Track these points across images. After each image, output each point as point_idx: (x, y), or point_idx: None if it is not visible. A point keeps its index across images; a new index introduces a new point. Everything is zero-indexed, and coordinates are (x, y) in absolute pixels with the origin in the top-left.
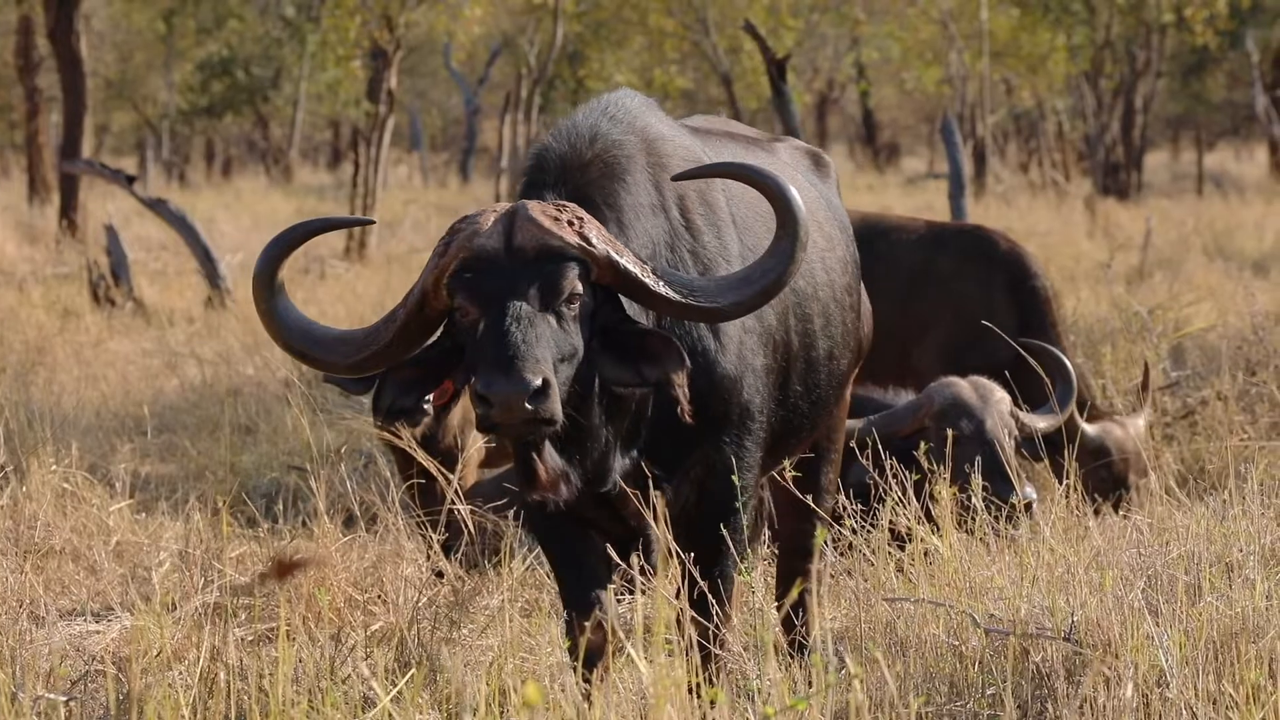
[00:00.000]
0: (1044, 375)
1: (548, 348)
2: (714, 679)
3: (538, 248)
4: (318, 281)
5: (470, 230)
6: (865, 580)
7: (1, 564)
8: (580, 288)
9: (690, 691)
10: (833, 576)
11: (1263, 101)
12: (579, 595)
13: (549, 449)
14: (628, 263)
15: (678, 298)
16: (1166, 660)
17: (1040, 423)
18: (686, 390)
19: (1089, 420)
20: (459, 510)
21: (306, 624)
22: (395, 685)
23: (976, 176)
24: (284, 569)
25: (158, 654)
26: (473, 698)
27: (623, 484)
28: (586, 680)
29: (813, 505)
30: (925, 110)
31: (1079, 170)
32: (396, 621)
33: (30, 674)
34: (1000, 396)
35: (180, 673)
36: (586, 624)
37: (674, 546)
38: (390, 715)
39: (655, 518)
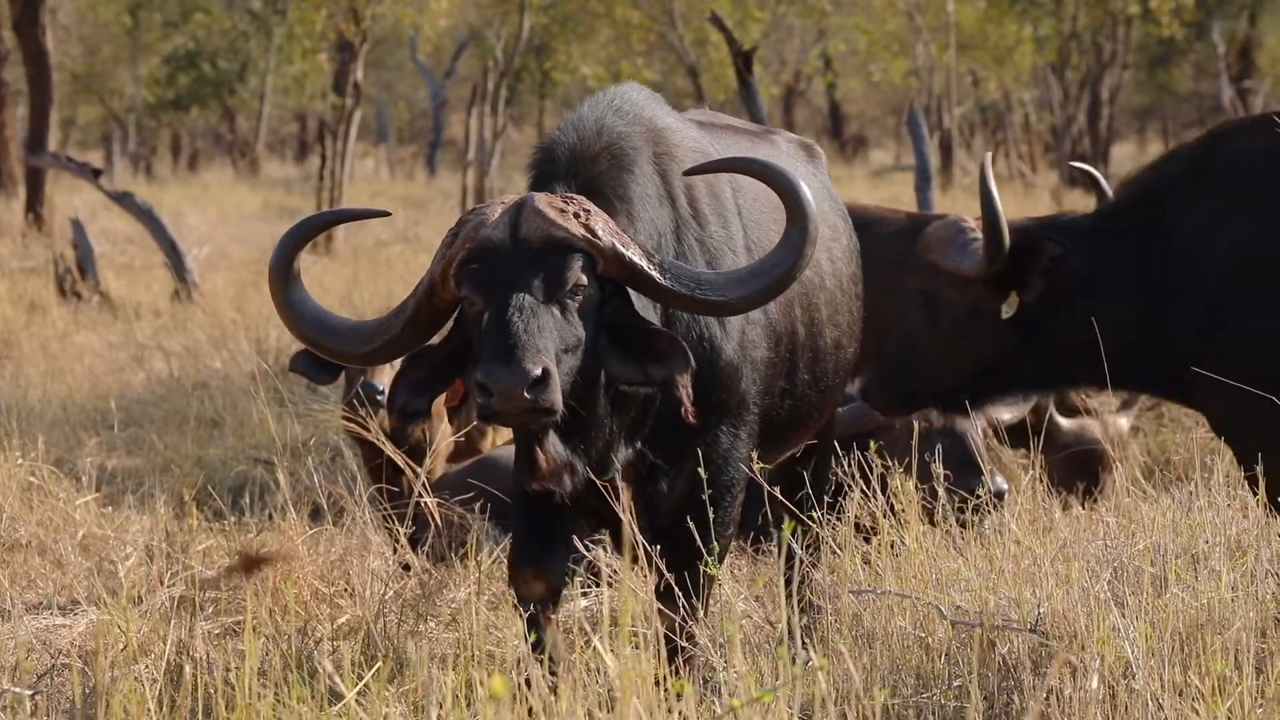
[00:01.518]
0: None
1: (550, 338)
2: (681, 671)
3: (543, 239)
4: None
5: (477, 221)
6: (831, 573)
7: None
8: (585, 280)
9: (657, 684)
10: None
11: (1229, 93)
12: (530, 552)
13: (552, 439)
14: (634, 255)
15: (684, 291)
16: (1132, 651)
17: (1004, 414)
18: (690, 391)
19: (1068, 415)
20: (426, 503)
21: (273, 617)
22: (361, 678)
23: (943, 168)
24: (250, 562)
25: (124, 648)
26: (439, 690)
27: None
28: (553, 673)
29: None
30: (892, 102)
31: (1045, 162)
32: (363, 615)
33: None
34: None
35: (146, 666)
36: (529, 574)
37: (641, 539)
38: (357, 708)
39: (621, 509)
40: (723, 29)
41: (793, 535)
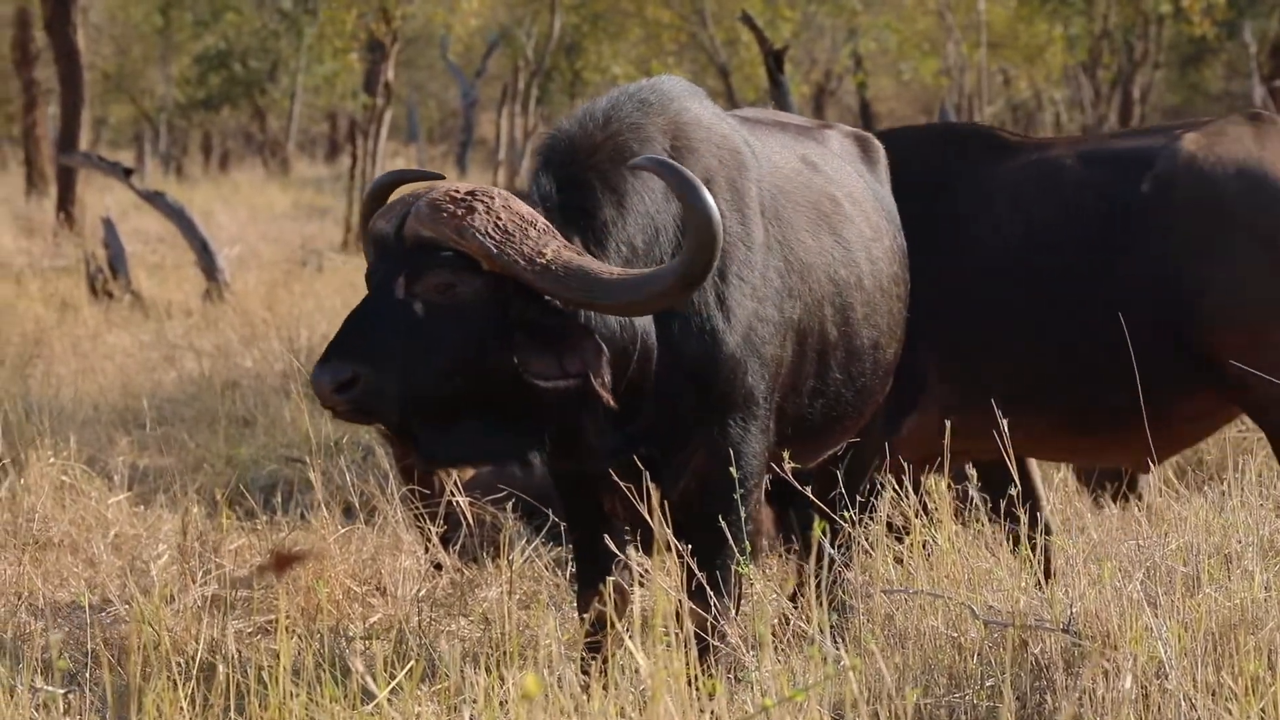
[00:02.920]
0: None
1: (387, 339)
2: (712, 671)
3: (414, 238)
4: (315, 274)
5: (380, 213)
6: (864, 572)
7: (0, 556)
8: (453, 279)
9: (689, 683)
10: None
11: (1260, 92)
12: (593, 572)
13: (428, 436)
14: (512, 255)
15: (573, 293)
16: (1165, 652)
17: None
18: (607, 381)
19: None
20: (458, 502)
21: (305, 616)
22: (394, 678)
23: None
24: (282, 561)
25: (156, 647)
26: (471, 690)
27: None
28: (586, 672)
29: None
30: (923, 101)
31: None
32: (395, 614)
33: (28, 667)
34: None
35: (179, 665)
36: (597, 596)
37: (671, 538)
38: (389, 708)
39: (650, 510)
40: (754, 28)
41: (823, 535)
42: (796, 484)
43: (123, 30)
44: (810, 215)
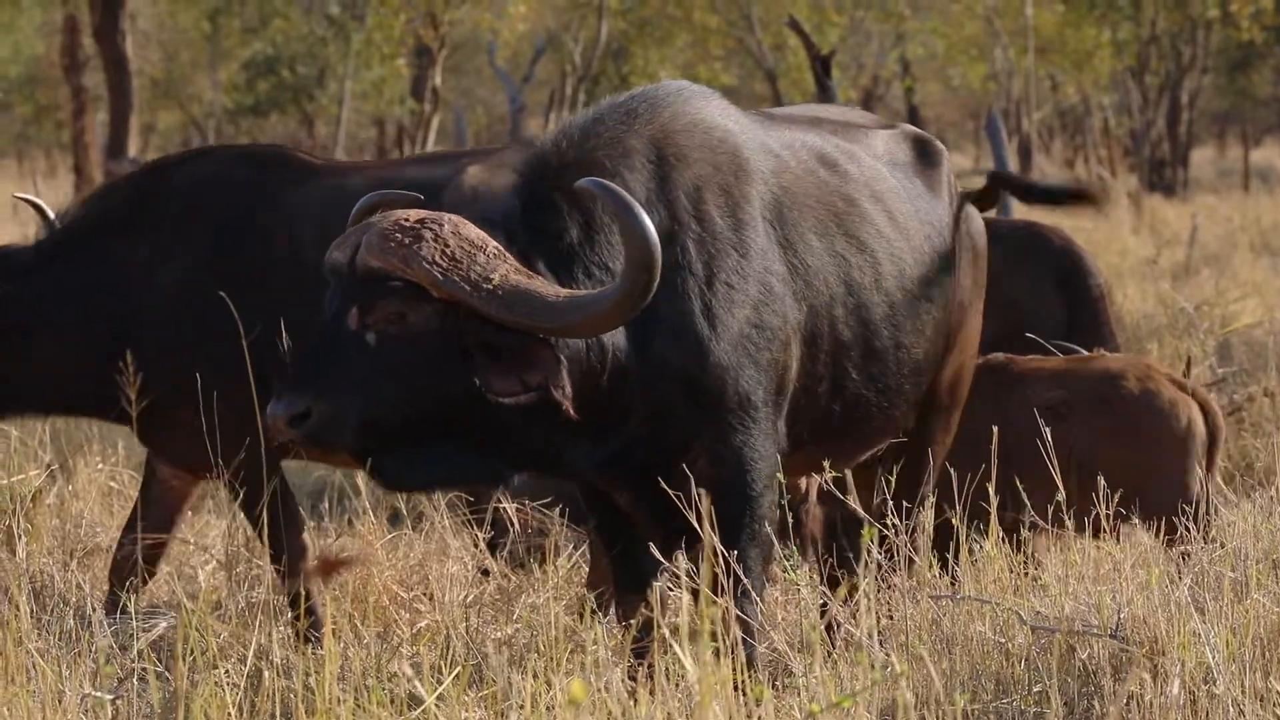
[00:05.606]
0: None
1: (341, 371)
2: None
3: (364, 268)
4: None
5: (336, 242)
6: (911, 578)
7: (48, 562)
8: (403, 309)
9: (735, 689)
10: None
11: None
12: (632, 577)
13: (391, 462)
14: (460, 282)
15: (514, 318)
16: (1213, 657)
17: None
18: (568, 390)
19: None
20: (504, 508)
21: (352, 622)
22: (440, 683)
23: (1022, 172)
24: (329, 567)
25: (204, 652)
26: (518, 695)
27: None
28: (632, 677)
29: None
30: (970, 106)
31: (1125, 166)
32: (442, 619)
33: (76, 672)
34: None
35: (226, 671)
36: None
37: (718, 544)
38: (436, 713)
39: (700, 519)
40: (800, 33)
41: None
42: (837, 492)
43: (171, 36)
44: (820, 216)
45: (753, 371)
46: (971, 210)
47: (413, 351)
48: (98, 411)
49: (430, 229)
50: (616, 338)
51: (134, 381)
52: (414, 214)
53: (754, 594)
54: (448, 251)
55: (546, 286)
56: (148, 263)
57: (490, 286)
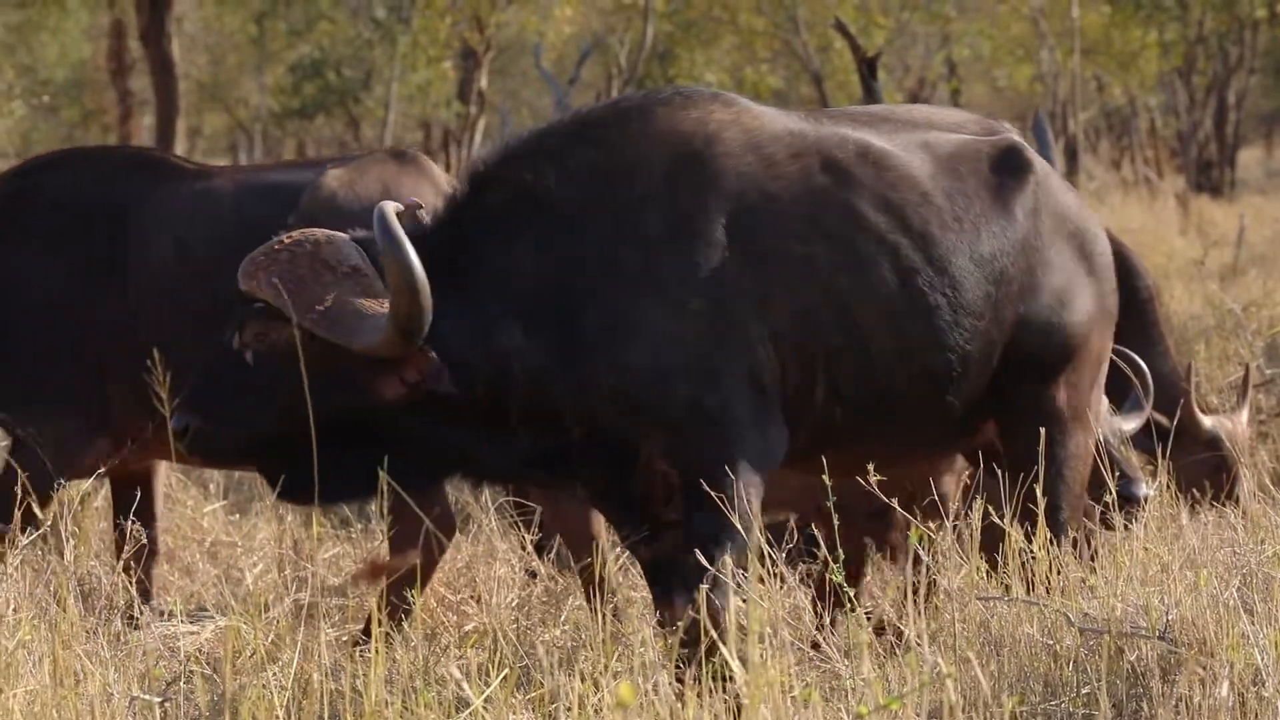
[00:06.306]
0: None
1: (217, 389)
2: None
3: (240, 288)
4: None
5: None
6: (959, 580)
7: (96, 565)
8: (265, 326)
9: (783, 691)
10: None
11: None
12: (661, 579)
13: (281, 478)
14: (294, 303)
15: (334, 338)
16: (1263, 659)
17: (1126, 424)
18: (447, 380)
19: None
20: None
21: (400, 625)
22: (488, 685)
23: (1069, 174)
24: (377, 570)
25: (251, 655)
26: (566, 697)
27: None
28: (680, 680)
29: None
30: (1017, 108)
31: (1171, 167)
32: (490, 621)
33: (125, 674)
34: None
35: (274, 674)
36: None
37: (766, 548)
38: (484, 715)
39: (750, 526)
40: (847, 35)
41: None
42: (883, 496)
43: (217, 40)
44: (804, 223)
45: (702, 378)
46: (1087, 228)
47: (280, 369)
48: None
49: (290, 250)
50: (517, 344)
51: (164, 382)
52: (297, 234)
53: (718, 601)
54: (297, 273)
55: (364, 308)
56: (18, 270)
57: (321, 308)
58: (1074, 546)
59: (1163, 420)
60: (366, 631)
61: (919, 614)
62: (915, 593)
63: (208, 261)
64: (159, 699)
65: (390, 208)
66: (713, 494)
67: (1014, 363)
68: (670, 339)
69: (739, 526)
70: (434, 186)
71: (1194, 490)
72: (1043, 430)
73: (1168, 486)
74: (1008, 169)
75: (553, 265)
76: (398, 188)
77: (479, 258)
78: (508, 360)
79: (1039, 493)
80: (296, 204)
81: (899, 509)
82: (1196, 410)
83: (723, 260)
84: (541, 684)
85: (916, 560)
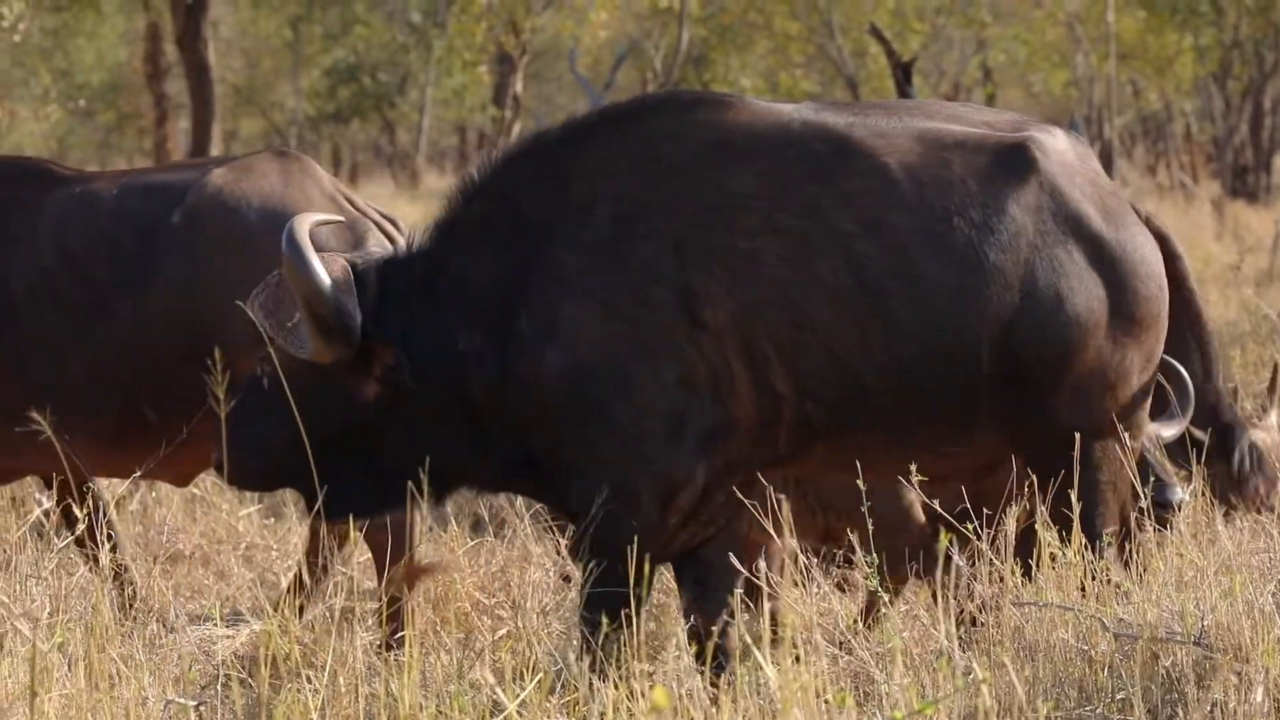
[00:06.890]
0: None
1: (243, 419)
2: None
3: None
4: None
5: None
6: (993, 584)
7: (132, 569)
8: (269, 353)
9: (816, 695)
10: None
11: None
12: (688, 579)
13: (312, 500)
14: (268, 325)
15: (296, 350)
16: None
17: (1165, 430)
18: (405, 366)
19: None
20: None
21: (434, 629)
22: (522, 689)
23: None
24: (412, 574)
25: (286, 658)
26: (600, 702)
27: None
28: (714, 685)
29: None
30: (1052, 113)
31: (1207, 172)
32: (524, 626)
33: (160, 678)
34: None
35: (308, 677)
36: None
37: (797, 551)
38: (518, 719)
39: (780, 530)
40: (882, 40)
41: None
42: (924, 496)
43: (253, 44)
44: (758, 218)
45: (629, 382)
46: (1110, 235)
47: (285, 389)
48: None
49: (280, 275)
50: (476, 348)
51: (221, 380)
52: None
53: (593, 615)
54: (277, 296)
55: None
56: None
57: (291, 325)
58: (1095, 553)
59: (1197, 432)
60: (394, 634)
61: (949, 615)
62: (946, 595)
63: (88, 264)
64: (194, 702)
65: (305, 219)
66: (589, 500)
67: (1011, 362)
68: (595, 344)
69: (635, 537)
70: (318, 186)
71: (1229, 496)
72: (1078, 437)
73: (1202, 492)
74: (1008, 164)
75: (505, 270)
76: (282, 186)
77: (448, 266)
78: (467, 364)
79: (1073, 499)
80: (177, 203)
81: (943, 514)
82: (1239, 421)
83: (658, 260)
84: (575, 688)
85: (948, 563)
